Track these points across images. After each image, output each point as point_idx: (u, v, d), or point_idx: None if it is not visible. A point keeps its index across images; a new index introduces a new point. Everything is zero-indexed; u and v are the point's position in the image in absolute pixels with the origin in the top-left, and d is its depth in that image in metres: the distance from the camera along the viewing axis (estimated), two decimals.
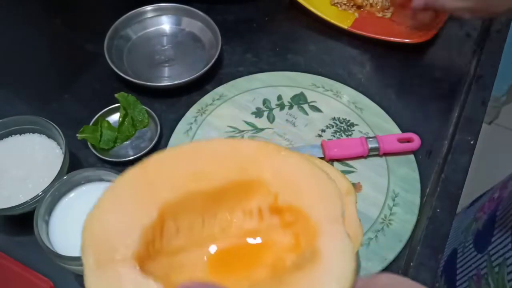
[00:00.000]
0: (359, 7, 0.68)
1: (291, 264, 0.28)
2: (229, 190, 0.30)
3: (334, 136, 0.55)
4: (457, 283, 0.40)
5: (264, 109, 0.57)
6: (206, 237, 0.30)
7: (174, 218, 0.29)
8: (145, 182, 0.28)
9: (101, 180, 0.45)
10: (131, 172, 0.29)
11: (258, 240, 0.30)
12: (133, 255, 0.26)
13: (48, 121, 0.50)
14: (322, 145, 0.53)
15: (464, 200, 0.57)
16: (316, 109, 0.57)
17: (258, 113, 0.57)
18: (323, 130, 0.56)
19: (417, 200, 0.50)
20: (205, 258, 0.29)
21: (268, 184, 0.30)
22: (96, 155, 0.53)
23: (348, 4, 0.68)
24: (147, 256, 0.27)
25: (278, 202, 0.30)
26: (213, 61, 0.60)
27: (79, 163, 0.54)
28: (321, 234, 0.27)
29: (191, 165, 0.30)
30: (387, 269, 0.46)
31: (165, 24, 0.66)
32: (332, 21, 0.65)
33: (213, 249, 0.30)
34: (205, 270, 0.29)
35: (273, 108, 0.57)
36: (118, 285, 0.25)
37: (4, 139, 0.51)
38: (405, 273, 0.46)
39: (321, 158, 0.52)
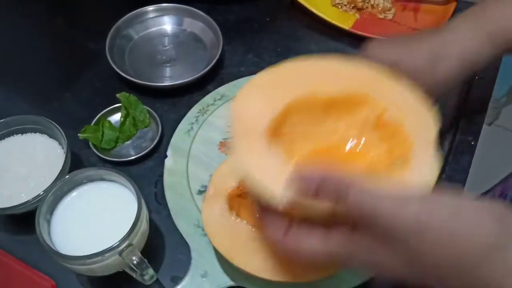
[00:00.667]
0: (359, 8, 0.68)
1: (384, 166, 0.36)
2: (342, 100, 0.38)
3: None
4: None
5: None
6: (317, 136, 0.39)
7: (296, 114, 0.37)
8: (276, 83, 0.38)
9: (103, 179, 0.45)
10: (265, 73, 0.38)
11: (356, 147, 0.38)
12: (264, 133, 0.35)
13: (50, 120, 0.50)
14: None
15: None
16: None
17: None
18: None
19: None
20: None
21: (379, 100, 0.37)
22: (98, 155, 0.53)
23: (348, 6, 0.68)
24: (275, 135, 0.36)
25: (385, 116, 0.37)
26: (214, 61, 0.60)
27: (80, 162, 0.54)
28: (415, 151, 0.34)
29: (313, 76, 0.38)
30: None
31: (167, 24, 0.66)
32: (333, 21, 0.65)
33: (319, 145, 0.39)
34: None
35: None
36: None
37: (6, 138, 0.51)
38: None
39: None
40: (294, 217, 0.32)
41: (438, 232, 0.26)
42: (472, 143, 0.56)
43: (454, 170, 0.53)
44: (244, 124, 0.35)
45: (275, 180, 0.31)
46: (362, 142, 0.38)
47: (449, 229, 0.26)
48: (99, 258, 0.39)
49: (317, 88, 0.37)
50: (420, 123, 0.36)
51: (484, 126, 0.60)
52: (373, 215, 0.28)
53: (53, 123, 0.50)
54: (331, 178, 0.29)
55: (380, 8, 0.68)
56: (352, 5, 0.68)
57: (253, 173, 0.32)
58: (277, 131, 0.36)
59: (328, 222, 0.31)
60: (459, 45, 0.43)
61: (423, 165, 0.33)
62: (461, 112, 0.58)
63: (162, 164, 0.53)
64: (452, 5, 0.67)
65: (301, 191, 0.30)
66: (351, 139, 0.39)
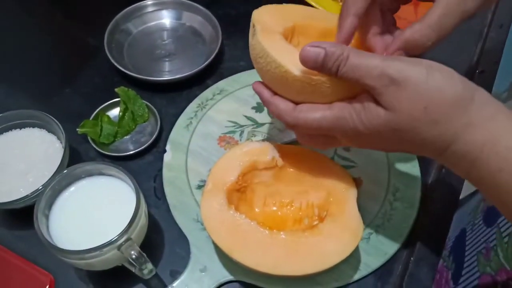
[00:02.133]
0: None
1: None
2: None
3: None
4: (466, 259, 0.41)
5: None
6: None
7: (300, 34, 0.45)
8: (286, 10, 0.46)
9: (101, 174, 0.45)
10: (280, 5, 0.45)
11: None
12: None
13: (49, 115, 0.50)
14: None
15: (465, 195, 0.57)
16: None
17: (258, 108, 0.57)
18: None
19: (417, 195, 0.50)
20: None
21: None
22: (96, 150, 0.53)
23: None
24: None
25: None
26: (213, 55, 0.59)
27: (79, 157, 0.54)
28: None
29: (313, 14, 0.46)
30: (387, 263, 0.46)
31: (166, 18, 0.66)
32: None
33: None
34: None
35: None
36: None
37: (4, 133, 0.51)
38: (405, 268, 0.46)
39: None
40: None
41: (416, 84, 0.32)
42: None
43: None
44: (263, 26, 0.41)
45: (289, 60, 0.37)
46: None
47: (424, 83, 0.32)
48: (98, 252, 0.39)
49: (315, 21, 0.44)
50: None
51: None
52: (355, 80, 0.34)
53: (52, 117, 0.50)
54: (332, 53, 0.34)
55: None
56: None
57: (271, 52, 0.38)
58: (289, 37, 0.44)
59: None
60: None
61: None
62: None
63: (161, 158, 0.53)
64: None
65: (310, 66, 0.35)
66: None
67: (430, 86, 0.32)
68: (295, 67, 0.36)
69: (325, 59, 0.34)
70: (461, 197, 0.51)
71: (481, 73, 0.61)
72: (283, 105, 0.39)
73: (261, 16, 0.43)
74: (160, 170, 0.52)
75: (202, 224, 0.48)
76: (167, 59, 0.63)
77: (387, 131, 0.34)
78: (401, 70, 0.32)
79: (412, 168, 0.52)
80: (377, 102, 0.34)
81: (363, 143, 0.37)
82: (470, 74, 0.61)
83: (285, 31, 0.42)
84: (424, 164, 0.53)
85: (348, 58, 0.34)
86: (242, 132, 0.55)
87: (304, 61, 0.35)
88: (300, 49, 0.35)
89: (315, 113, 0.37)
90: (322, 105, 0.37)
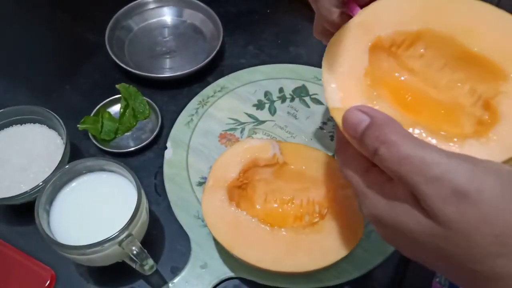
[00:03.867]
0: None
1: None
2: (477, 60, 0.32)
3: None
4: None
5: (266, 101, 0.57)
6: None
7: (425, 46, 0.34)
8: (424, 5, 0.34)
9: (102, 170, 0.45)
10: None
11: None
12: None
13: (49, 111, 0.50)
14: None
15: None
16: (317, 101, 0.57)
17: (259, 105, 0.57)
18: (324, 123, 0.56)
19: None
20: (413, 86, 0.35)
21: (505, 83, 0.31)
22: (97, 146, 0.53)
23: None
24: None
25: (493, 101, 0.31)
26: (214, 53, 0.60)
27: (80, 153, 0.54)
28: (481, 144, 0.29)
29: (468, 18, 0.33)
30: (388, 261, 0.46)
31: (167, 15, 0.66)
32: None
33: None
34: (405, 92, 0.34)
35: (275, 101, 0.57)
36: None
37: (5, 129, 0.51)
38: (405, 266, 0.46)
39: None
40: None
41: (490, 203, 0.24)
42: None
43: None
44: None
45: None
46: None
47: (501, 200, 0.24)
48: (99, 248, 0.39)
49: (465, 34, 0.32)
50: None
51: None
52: (398, 174, 0.26)
53: (53, 113, 0.50)
54: (373, 130, 0.27)
55: None
56: None
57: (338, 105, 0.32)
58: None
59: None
60: None
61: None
62: None
63: (161, 155, 0.53)
64: None
65: (348, 134, 0.29)
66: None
67: (507, 206, 0.24)
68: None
69: (366, 133, 0.27)
70: None
71: None
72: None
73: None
74: (161, 166, 0.52)
75: (202, 220, 0.48)
76: (168, 56, 0.63)
77: (427, 242, 0.26)
78: (472, 178, 0.24)
79: None
80: (417, 204, 0.26)
81: (387, 235, 0.30)
82: None
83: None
84: None
85: (396, 143, 0.26)
86: (243, 129, 0.55)
87: (344, 125, 0.29)
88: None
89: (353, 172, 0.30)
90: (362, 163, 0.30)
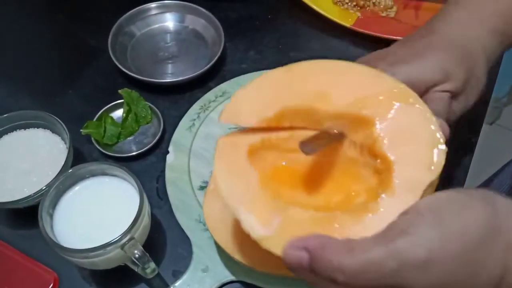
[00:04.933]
0: (361, 7, 0.68)
1: (358, 203, 0.32)
2: (340, 117, 0.34)
3: None
4: None
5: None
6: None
7: (289, 122, 0.35)
8: (282, 82, 0.36)
9: (105, 174, 0.45)
10: (275, 71, 0.37)
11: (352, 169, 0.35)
12: (248, 142, 0.35)
13: (53, 116, 0.51)
14: None
15: None
16: None
17: None
18: None
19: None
20: (301, 166, 0.36)
21: (375, 127, 0.33)
22: (100, 151, 0.54)
23: (350, 3, 0.69)
24: (260, 148, 0.35)
25: (375, 147, 0.33)
26: (216, 58, 0.60)
27: (83, 158, 0.54)
28: (391, 193, 0.30)
29: (318, 83, 0.35)
30: None
31: (169, 21, 0.66)
32: (335, 19, 0.65)
33: (314, 159, 0.35)
34: (302, 176, 0.35)
35: None
36: (233, 158, 0.34)
37: (9, 133, 0.52)
38: None
39: None
40: None
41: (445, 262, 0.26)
42: (473, 140, 0.56)
43: (454, 168, 0.53)
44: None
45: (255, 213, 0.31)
46: (359, 163, 0.35)
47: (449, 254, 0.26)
48: (101, 251, 0.40)
49: (319, 99, 0.35)
50: (416, 162, 0.31)
51: (485, 126, 0.60)
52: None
53: (56, 118, 0.50)
54: (320, 261, 0.27)
55: (381, 6, 0.68)
56: (354, 3, 0.68)
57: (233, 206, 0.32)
58: (265, 142, 0.36)
59: None
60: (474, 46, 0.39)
61: (394, 211, 0.29)
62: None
63: (163, 159, 0.53)
64: None
65: (298, 273, 0.29)
66: (350, 159, 0.35)
67: (454, 254, 0.26)
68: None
69: (313, 266, 0.27)
70: None
71: None
72: None
73: (231, 107, 0.36)
74: (163, 171, 0.52)
75: (204, 224, 0.48)
76: (170, 62, 0.63)
77: None
78: (417, 249, 0.25)
79: None
80: None
81: None
82: None
83: (262, 124, 0.35)
84: None
85: (342, 264, 0.26)
86: None
87: (288, 266, 0.29)
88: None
89: None
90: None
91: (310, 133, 0.35)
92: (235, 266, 0.45)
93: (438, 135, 0.32)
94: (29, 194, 0.46)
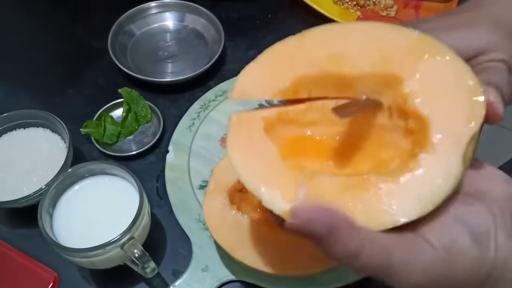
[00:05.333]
0: (361, 6, 0.68)
1: (394, 167, 0.29)
2: (364, 79, 0.30)
3: None
4: None
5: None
6: (334, 119, 0.31)
7: (307, 91, 0.32)
8: (294, 51, 0.31)
9: (105, 173, 0.45)
10: (286, 41, 0.32)
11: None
12: (263, 117, 0.31)
13: (53, 115, 0.51)
14: None
15: None
16: None
17: None
18: None
19: None
20: (325, 136, 0.32)
21: (405, 84, 0.29)
22: (100, 150, 0.54)
23: (350, 3, 0.69)
24: (276, 122, 0.31)
25: (407, 105, 0.29)
26: (216, 57, 0.60)
27: (82, 157, 0.54)
28: (432, 150, 0.27)
29: (336, 45, 0.31)
30: None
31: (169, 20, 0.66)
32: (335, 19, 0.65)
33: (338, 130, 0.32)
34: (326, 148, 0.31)
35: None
36: (248, 133, 0.30)
37: (8, 132, 0.52)
38: None
39: None
40: None
41: None
42: None
43: None
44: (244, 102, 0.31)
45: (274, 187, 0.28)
46: (388, 130, 0.31)
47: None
48: (101, 251, 0.40)
49: (336, 63, 0.31)
50: (453, 116, 0.28)
51: (487, 126, 0.60)
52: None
53: (56, 117, 0.50)
54: (339, 237, 0.25)
55: (382, 6, 0.68)
56: (354, 2, 0.68)
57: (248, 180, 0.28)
58: (283, 115, 0.32)
59: None
60: None
61: (435, 172, 0.26)
62: None
63: (163, 159, 0.53)
64: (454, 3, 0.67)
65: (311, 236, 0.26)
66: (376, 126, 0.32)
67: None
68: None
69: (337, 236, 0.25)
70: None
71: None
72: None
73: (240, 84, 0.32)
74: (163, 170, 0.52)
75: (204, 224, 0.48)
76: (170, 61, 0.63)
77: None
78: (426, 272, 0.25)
79: None
80: None
81: None
82: None
83: (278, 97, 0.32)
84: None
85: (361, 254, 0.25)
86: None
87: (305, 227, 0.25)
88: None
89: None
90: None
91: (331, 103, 0.31)
92: (234, 265, 0.45)
93: (474, 84, 0.28)
94: (29, 193, 0.46)
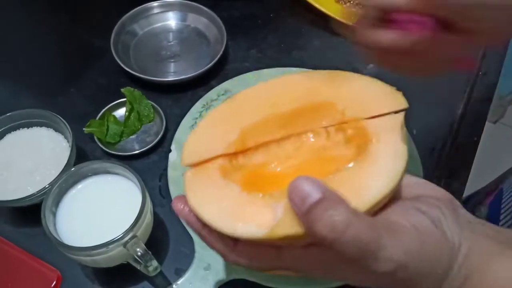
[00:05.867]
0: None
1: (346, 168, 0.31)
2: (301, 112, 0.35)
3: None
4: None
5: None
6: (282, 155, 0.35)
7: (254, 139, 0.35)
8: (231, 111, 0.35)
9: (108, 172, 0.46)
10: (221, 105, 0.36)
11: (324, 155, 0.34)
12: (218, 165, 0.33)
13: (56, 114, 0.51)
14: None
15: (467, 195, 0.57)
16: None
17: None
18: None
19: None
20: (279, 169, 0.35)
21: (336, 103, 0.34)
22: (103, 149, 0.54)
23: (352, 2, 0.68)
24: (231, 168, 0.34)
25: (345, 116, 0.33)
26: (218, 56, 0.60)
27: (85, 156, 0.55)
28: (376, 141, 0.31)
29: (268, 96, 0.36)
30: None
31: (171, 20, 0.67)
32: (337, 18, 0.65)
33: (288, 163, 0.35)
34: (282, 179, 0.33)
35: None
36: (207, 182, 0.32)
37: (12, 132, 0.52)
38: None
39: None
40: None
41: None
42: (475, 139, 0.56)
43: (456, 166, 0.53)
44: (196, 158, 0.33)
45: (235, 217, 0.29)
46: (329, 148, 0.35)
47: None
48: (104, 249, 0.40)
49: (273, 106, 0.35)
50: (383, 110, 0.32)
51: (490, 124, 0.60)
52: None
53: (59, 117, 0.51)
54: (325, 206, 0.26)
55: None
56: (356, 1, 0.68)
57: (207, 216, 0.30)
58: (233, 163, 0.34)
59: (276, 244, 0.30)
60: None
61: (385, 155, 0.30)
62: (465, 109, 0.58)
63: (166, 158, 0.53)
64: None
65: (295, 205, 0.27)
66: (319, 149, 0.35)
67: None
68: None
69: (312, 210, 0.26)
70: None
71: (484, 75, 0.61)
72: (219, 246, 0.31)
73: (190, 145, 0.34)
74: (165, 169, 0.53)
75: None
76: (172, 60, 0.63)
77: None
78: (409, 251, 0.27)
79: (415, 170, 0.52)
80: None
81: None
82: (473, 76, 0.62)
83: (228, 149, 0.34)
84: (427, 165, 0.53)
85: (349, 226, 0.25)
86: None
87: (291, 193, 0.27)
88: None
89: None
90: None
91: (276, 145, 0.35)
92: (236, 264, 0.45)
93: (391, 88, 0.34)
94: (32, 192, 0.46)
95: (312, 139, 0.35)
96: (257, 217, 0.29)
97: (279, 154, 0.35)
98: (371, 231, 0.26)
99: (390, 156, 0.30)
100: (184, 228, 0.48)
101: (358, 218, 0.25)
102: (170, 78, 0.60)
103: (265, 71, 0.61)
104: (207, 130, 0.35)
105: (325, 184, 0.27)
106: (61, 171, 0.47)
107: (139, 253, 0.41)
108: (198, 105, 0.58)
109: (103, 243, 0.39)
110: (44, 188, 0.46)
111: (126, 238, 0.40)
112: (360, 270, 0.28)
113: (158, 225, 0.49)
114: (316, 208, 0.25)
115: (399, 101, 0.32)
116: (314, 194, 0.26)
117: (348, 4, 0.68)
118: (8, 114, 0.51)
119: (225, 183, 0.32)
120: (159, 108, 0.57)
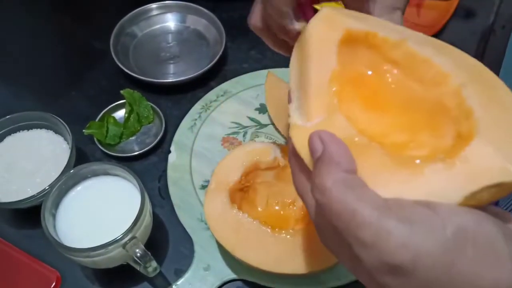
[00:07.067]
0: None
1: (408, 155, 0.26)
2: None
3: None
4: None
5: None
6: None
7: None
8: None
9: (107, 174, 0.46)
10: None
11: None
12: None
13: (56, 116, 0.51)
14: None
15: None
16: None
17: (261, 109, 0.58)
18: None
19: None
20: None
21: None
22: (102, 150, 0.54)
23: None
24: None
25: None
26: (217, 58, 0.60)
27: (85, 158, 0.55)
28: (450, 167, 0.24)
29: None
30: None
31: (170, 21, 0.67)
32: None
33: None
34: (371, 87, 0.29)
35: None
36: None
37: (12, 134, 0.52)
38: None
39: None
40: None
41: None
42: None
43: None
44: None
45: None
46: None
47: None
48: (103, 250, 0.40)
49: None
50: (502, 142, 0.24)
51: None
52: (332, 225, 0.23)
53: (59, 119, 0.51)
54: (319, 166, 0.24)
55: None
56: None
57: None
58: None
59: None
60: None
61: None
62: None
63: (165, 159, 0.54)
64: (455, 1, 0.67)
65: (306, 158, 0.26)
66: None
67: (444, 272, 0.21)
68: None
69: (316, 165, 0.24)
70: None
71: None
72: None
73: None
74: (165, 170, 0.53)
75: (206, 223, 0.48)
76: (171, 62, 0.64)
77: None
78: (406, 245, 0.21)
79: None
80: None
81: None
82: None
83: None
84: None
85: (329, 190, 0.23)
86: (245, 133, 0.55)
87: (309, 147, 0.26)
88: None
89: None
90: None
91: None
92: (236, 264, 0.45)
93: None
94: (32, 194, 0.46)
95: None
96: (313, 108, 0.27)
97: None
98: (359, 202, 0.22)
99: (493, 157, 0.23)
100: (184, 229, 0.49)
101: (353, 189, 0.22)
102: (170, 80, 0.61)
103: (264, 71, 0.61)
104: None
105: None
106: (61, 172, 0.47)
107: (138, 254, 0.41)
108: (197, 107, 0.58)
109: (102, 244, 0.40)
110: (44, 189, 0.46)
111: (126, 239, 0.40)
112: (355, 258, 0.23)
113: (158, 226, 0.49)
114: (317, 164, 0.24)
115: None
116: (317, 152, 0.25)
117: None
118: (8, 116, 0.52)
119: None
120: (158, 110, 0.57)
